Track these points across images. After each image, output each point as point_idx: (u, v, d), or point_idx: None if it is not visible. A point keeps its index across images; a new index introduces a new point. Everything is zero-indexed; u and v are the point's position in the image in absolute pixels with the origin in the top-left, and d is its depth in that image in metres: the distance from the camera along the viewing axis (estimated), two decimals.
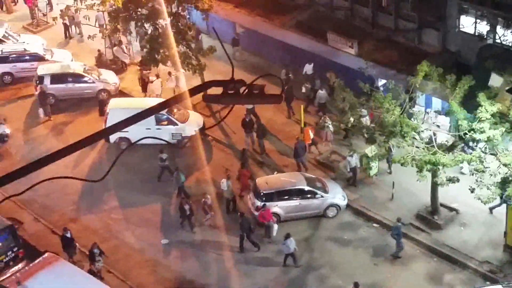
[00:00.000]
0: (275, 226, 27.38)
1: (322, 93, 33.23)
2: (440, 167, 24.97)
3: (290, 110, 33.87)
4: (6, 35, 39.01)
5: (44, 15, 42.85)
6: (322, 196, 28.42)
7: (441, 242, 26.95)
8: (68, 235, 26.62)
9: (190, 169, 31.20)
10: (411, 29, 31.85)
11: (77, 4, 38.98)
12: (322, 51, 33.57)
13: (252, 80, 7.44)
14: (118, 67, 37.97)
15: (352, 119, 27.15)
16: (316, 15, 35.28)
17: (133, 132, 32.12)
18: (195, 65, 33.60)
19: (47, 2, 43.15)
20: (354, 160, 29.24)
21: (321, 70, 34.22)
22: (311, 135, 31.48)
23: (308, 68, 34.94)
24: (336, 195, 28.79)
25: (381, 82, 31.85)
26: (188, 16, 34.69)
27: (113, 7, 35.80)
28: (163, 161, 30.60)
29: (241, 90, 7.27)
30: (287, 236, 26.26)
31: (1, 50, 37.20)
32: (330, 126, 31.16)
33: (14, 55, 37.27)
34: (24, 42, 38.59)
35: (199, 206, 28.33)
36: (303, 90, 34.07)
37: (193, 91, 7.66)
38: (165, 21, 32.96)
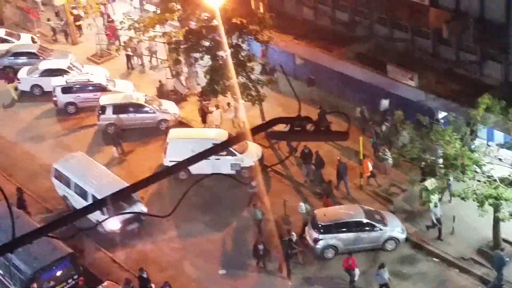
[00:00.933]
0: (357, 271, 27.00)
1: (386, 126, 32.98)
2: (503, 202, 24.50)
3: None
4: (71, 66, 39.98)
5: (115, 43, 43.72)
6: (380, 229, 28.15)
7: (504, 278, 26.34)
8: (145, 275, 26.77)
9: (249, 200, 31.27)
10: (472, 61, 31.52)
11: (139, 36, 39.70)
12: (381, 83, 33.43)
13: (319, 117, 7.48)
14: (179, 97, 38.46)
15: (412, 152, 26.89)
16: (376, 46, 35.22)
17: None
18: (254, 96, 33.82)
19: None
20: (439, 211, 28.34)
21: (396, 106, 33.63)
22: (370, 167, 31.28)
23: (384, 104, 34.55)
24: (395, 228, 28.47)
25: (442, 115, 31.51)
26: (248, 48, 34.99)
27: (175, 38, 36.50)
28: (253, 188, 30.69)
29: (308, 127, 7.29)
30: (381, 266, 26.12)
31: (66, 81, 38.09)
32: (389, 158, 30.91)
33: (78, 86, 38.11)
34: (87, 73, 39.48)
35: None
36: (356, 111, 33.77)
37: (259, 129, 7.69)
38: (225, 52, 33.34)
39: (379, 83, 33.58)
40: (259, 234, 29.10)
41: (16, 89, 40.03)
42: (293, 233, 27.95)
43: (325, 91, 37.30)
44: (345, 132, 7.45)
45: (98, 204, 6.92)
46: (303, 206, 29.24)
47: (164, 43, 38.65)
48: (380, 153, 31.64)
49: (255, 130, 7.75)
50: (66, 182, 30.79)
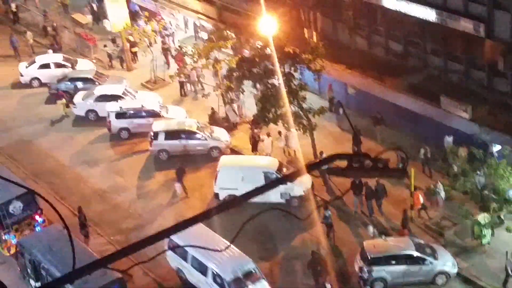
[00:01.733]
0: None
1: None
2: None
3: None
4: (125, 91, 40.59)
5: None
6: (431, 263, 27.70)
7: None
8: None
9: (298, 230, 31.11)
10: None
11: (192, 63, 40.19)
12: (434, 114, 33.09)
13: (377, 154, 7.45)
14: (230, 125, 38.67)
15: (465, 185, 26.52)
16: (429, 77, 34.93)
17: (242, 190, 32.24)
18: (305, 125, 33.81)
19: (165, 61, 44.71)
20: None
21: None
22: (421, 200, 30.89)
23: (448, 141, 33.81)
24: (446, 262, 27.99)
25: (496, 148, 30.99)
26: (300, 77, 35.08)
27: (228, 66, 36.83)
28: (327, 219, 30.66)
29: (366, 164, 7.30)
30: None
31: (120, 106, 38.65)
32: (442, 191, 30.49)
33: (131, 111, 38.62)
34: (141, 99, 40.01)
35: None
36: (421, 153, 33.35)
37: (317, 164, 7.72)
38: (278, 80, 33.47)
39: (432, 114, 33.24)
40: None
41: (66, 106, 41.16)
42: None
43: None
44: (403, 169, 7.48)
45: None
46: (371, 229, 29.04)
47: (217, 70, 39.05)
48: (432, 186, 31.24)
49: (314, 166, 7.79)
50: (182, 254, 28.85)
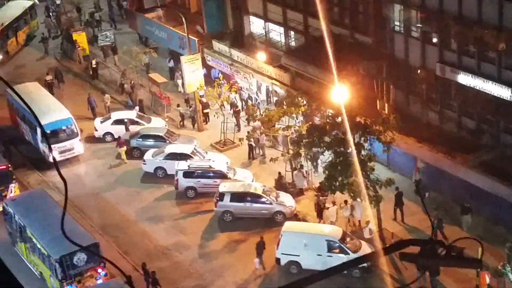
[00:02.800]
0: None
1: None
2: None
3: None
4: (195, 151, 41.11)
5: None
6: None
7: None
8: None
9: None
10: None
11: (262, 127, 40.52)
12: (507, 194, 32.37)
13: (452, 242, 7.33)
14: (296, 190, 38.60)
15: None
16: (501, 156, 34.32)
17: (304, 257, 32.17)
18: (372, 196, 33.49)
19: (236, 123, 45.22)
20: None
21: None
22: (487, 280, 29.98)
23: None
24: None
25: None
26: (369, 147, 34.93)
27: (297, 132, 37.00)
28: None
29: (440, 251, 7.16)
30: None
31: (188, 165, 39.11)
32: (510, 273, 29.56)
33: (199, 171, 39.01)
34: (210, 159, 40.44)
35: None
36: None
37: (389, 249, 7.65)
38: (347, 149, 33.40)
39: (504, 194, 32.53)
40: None
41: (126, 153, 42.93)
42: None
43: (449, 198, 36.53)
44: (479, 259, 7.29)
45: None
46: None
47: (287, 136, 39.26)
48: (500, 267, 30.32)
49: (387, 250, 7.71)
50: None
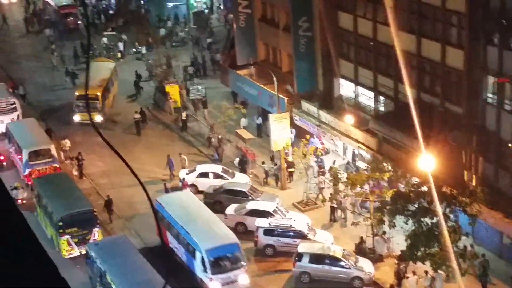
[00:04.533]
0: None
1: None
2: None
3: None
4: (276, 209, 41.18)
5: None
6: None
7: None
8: None
9: None
10: None
11: (346, 191, 40.32)
12: None
13: None
14: (376, 256, 38.05)
15: None
16: None
17: None
18: (453, 269, 32.68)
19: (319, 184, 45.13)
20: None
21: None
22: None
23: None
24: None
25: None
26: (454, 219, 34.24)
27: (381, 198, 36.64)
28: None
29: None
30: None
31: (269, 223, 39.17)
32: None
33: (280, 230, 39.00)
34: (291, 219, 40.39)
35: None
36: None
37: None
38: (431, 220, 32.83)
39: None
40: None
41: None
42: None
43: None
44: None
45: None
46: None
47: (370, 201, 38.91)
48: None
49: None
50: None
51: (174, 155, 48.78)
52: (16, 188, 44.28)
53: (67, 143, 50.69)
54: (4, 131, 51.96)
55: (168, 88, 57.61)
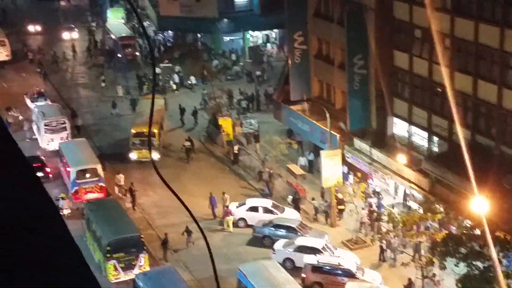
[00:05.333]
0: None
1: None
2: None
3: None
4: (325, 246, 40.90)
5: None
6: None
7: None
8: None
9: None
10: None
11: (396, 232, 39.91)
12: None
13: None
14: None
15: None
16: None
17: None
18: None
19: (369, 223, 44.75)
20: None
21: None
22: None
23: None
24: None
25: None
26: (507, 264, 33.53)
27: (432, 239, 36.13)
28: None
29: None
30: None
31: (317, 260, 38.90)
32: None
33: (328, 267, 38.69)
34: (339, 257, 40.06)
35: None
36: None
37: None
38: (484, 263, 32.22)
39: None
40: None
41: (232, 223, 45.08)
42: None
43: None
44: None
45: None
46: None
47: (420, 242, 38.41)
48: None
49: None
50: None
51: (224, 188, 49.01)
52: (62, 198, 46.72)
53: (121, 178, 50.95)
54: (56, 149, 54.49)
55: (221, 121, 58.05)
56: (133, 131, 54.50)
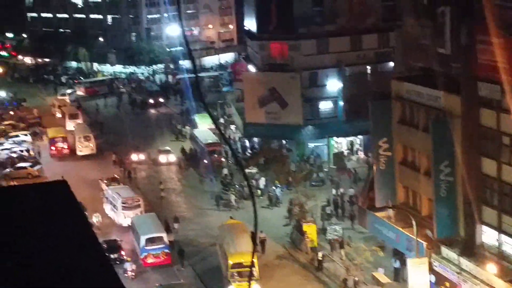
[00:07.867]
0: None
1: None
2: None
3: None
4: None
5: None
6: None
7: None
8: None
9: None
10: None
11: None
12: None
13: None
14: None
15: None
16: None
17: None
18: None
19: None
20: None
21: None
22: None
23: None
24: None
25: None
26: None
27: None
28: None
29: None
30: None
31: None
32: None
33: None
34: None
35: None
36: None
37: None
38: None
39: None
40: None
41: None
42: None
43: None
44: None
45: None
46: None
47: None
48: None
49: None
50: None
51: None
52: None
53: None
54: (129, 224, 60.56)
55: (305, 227, 57.86)
56: (230, 262, 49.07)
